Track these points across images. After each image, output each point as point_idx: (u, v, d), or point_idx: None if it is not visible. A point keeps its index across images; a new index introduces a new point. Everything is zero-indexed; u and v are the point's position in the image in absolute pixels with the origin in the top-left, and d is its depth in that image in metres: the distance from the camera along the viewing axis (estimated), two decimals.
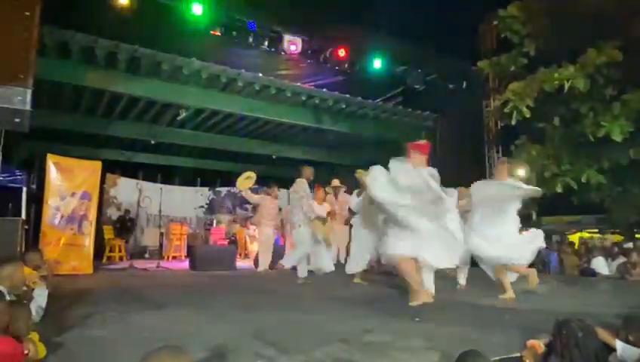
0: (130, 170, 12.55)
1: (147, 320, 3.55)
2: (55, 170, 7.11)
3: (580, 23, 8.00)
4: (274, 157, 13.02)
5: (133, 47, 7.67)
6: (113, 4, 7.19)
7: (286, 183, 8.39)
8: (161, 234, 10.51)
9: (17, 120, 4.46)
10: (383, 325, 3.38)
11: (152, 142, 11.44)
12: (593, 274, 8.09)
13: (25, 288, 3.22)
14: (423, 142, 5.06)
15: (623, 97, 7.56)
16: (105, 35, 7.38)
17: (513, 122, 8.54)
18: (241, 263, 9.38)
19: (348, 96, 10.22)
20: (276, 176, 11.43)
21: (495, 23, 9.41)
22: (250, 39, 8.77)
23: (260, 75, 9.20)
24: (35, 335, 2.48)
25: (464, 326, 3.42)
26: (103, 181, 9.51)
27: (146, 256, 10.91)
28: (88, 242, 7.19)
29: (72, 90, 8.59)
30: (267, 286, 5.92)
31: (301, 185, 6.27)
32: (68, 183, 7.14)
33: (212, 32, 8.25)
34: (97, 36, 7.30)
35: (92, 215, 7.29)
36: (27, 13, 4.23)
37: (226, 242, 10.19)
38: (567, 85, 7.68)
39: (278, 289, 5.69)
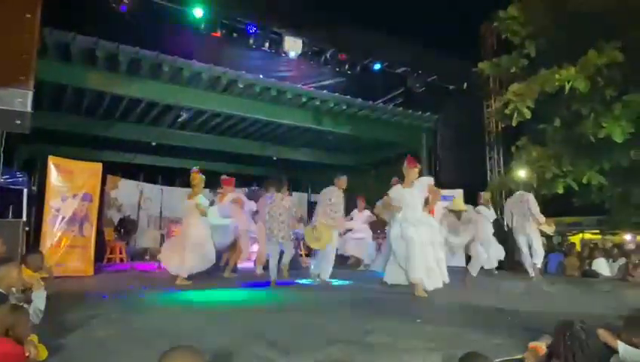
0: (131, 172, 12.55)
1: (149, 321, 3.55)
2: (56, 172, 7.11)
3: (581, 24, 7.99)
4: (275, 158, 13.03)
5: (134, 49, 7.68)
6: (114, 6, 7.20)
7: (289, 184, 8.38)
8: (162, 235, 10.51)
9: (18, 122, 4.46)
10: (384, 326, 3.38)
11: (153, 143, 11.45)
12: (595, 275, 8.08)
13: (25, 290, 3.22)
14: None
15: (624, 98, 7.53)
16: (106, 37, 7.39)
17: (514, 123, 8.51)
18: (241, 264, 9.36)
19: (348, 97, 10.23)
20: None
21: (495, 24, 9.39)
22: (251, 41, 8.79)
23: (261, 76, 9.21)
24: (34, 338, 2.48)
25: (465, 327, 3.41)
26: (103, 183, 9.51)
27: (147, 257, 10.91)
28: (89, 244, 7.19)
29: (73, 91, 8.60)
30: (268, 288, 5.91)
31: (333, 192, 6.36)
32: (69, 185, 7.15)
33: (213, 33, 8.26)
34: (98, 38, 7.32)
35: (93, 216, 7.29)
36: (28, 16, 4.23)
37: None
38: (567, 86, 7.65)
39: (280, 291, 5.69)
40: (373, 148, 12.81)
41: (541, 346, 2.35)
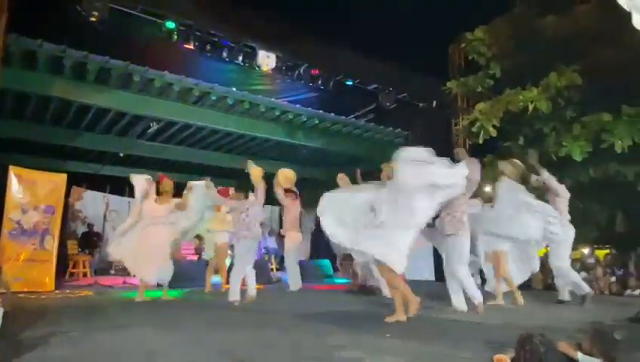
0: (97, 183, 12.21)
1: (111, 340, 3.43)
2: (17, 183, 6.84)
3: (543, 47, 8.40)
4: (246, 171, 12.94)
5: (103, 58, 7.56)
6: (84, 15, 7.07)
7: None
8: None
9: None
10: (355, 341, 3.38)
11: (121, 154, 11.20)
12: (556, 288, 8.32)
13: None
14: None
15: (583, 119, 7.93)
16: (75, 46, 7.24)
17: (480, 141, 8.80)
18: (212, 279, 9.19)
19: (321, 112, 10.34)
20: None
21: (463, 45, 9.75)
22: (224, 54, 8.79)
23: (234, 89, 9.20)
24: None
25: (434, 341, 3.46)
26: (68, 194, 9.21)
27: (112, 272, 10.56)
28: (50, 257, 6.92)
29: (38, 100, 8.36)
30: (241, 303, 5.82)
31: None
32: (30, 196, 6.88)
33: (185, 45, 8.22)
34: (66, 46, 7.16)
35: (55, 229, 7.04)
36: None
37: (195, 257, 10.00)
38: (530, 106, 8.00)
39: (253, 306, 5.61)
40: (345, 163, 12.92)
41: (505, 359, 2.42)
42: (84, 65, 7.58)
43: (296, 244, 7.03)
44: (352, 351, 3.04)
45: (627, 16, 3.50)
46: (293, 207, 7.06)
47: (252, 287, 5.97)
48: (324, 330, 3.88)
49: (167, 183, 6.20)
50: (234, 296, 5.54)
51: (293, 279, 6.96)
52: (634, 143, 7.43)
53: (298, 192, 7.23)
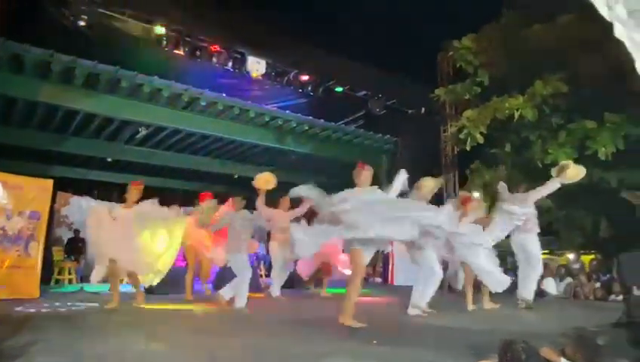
0: (84, 188, 12.06)
1: (96, 349, 3.40)
2: (2, 188, 6.75)
3: (528, 56, 8.54)
4: (236, 176, 12.94)
5: (92, 63, 7.52)
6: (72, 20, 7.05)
7: (247, 204, 8.31)
8: None
9: None
10: (339, 348, 3.39)
11: (109, 159, 11.11)
12: (543, 294, 8.42)
13: None
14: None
15: (568, 126, 8.06)
16: (63, 51, 7.20)
17: (468, 148, 8.90)
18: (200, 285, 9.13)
19: (311, 118, 10.37)
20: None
21: (451, 53, 9.87)
22: (214, 59, 8.80)
23: (224, 95, 9.20)
24: None
25: (419, 347, 3.47)
26: (54, 200, 9.09)
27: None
28: (35, 264, 6.81)
29: (25, 104, 8.27)
30: (228, 310, 5.79)
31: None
32: (15, 202, 6.78)
33: (175, 51, 8.22)
34: (54, 51, 7.11)
35: (40, 235, 6.94)
36: None
37: (184, 263, 9.91)
38: (517, 114, 8.12)
39: (239, 313, 5.58)
40: (335, 169, 12.97)
41: None
42: (72, 69, 7.54)
43: (283, 250, 7.00)
44: (337, 358, 3.05)
45: (609, 26, 3.59)
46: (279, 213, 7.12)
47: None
48: (311, 337, 3.87)
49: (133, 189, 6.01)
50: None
51: (276, 285, 7.05)
52: (617, 150, 7.57)
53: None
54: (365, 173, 4.64)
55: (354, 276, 4.42)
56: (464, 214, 5.70)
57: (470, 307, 5.80)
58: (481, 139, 8.70)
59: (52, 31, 7.32)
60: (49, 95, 7.92)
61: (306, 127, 10.62)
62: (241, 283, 5.77)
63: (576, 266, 9.60)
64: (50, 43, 7.16)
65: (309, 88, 10.21)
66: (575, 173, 6.13)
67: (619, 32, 3.61)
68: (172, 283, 7.56)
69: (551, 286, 8.64)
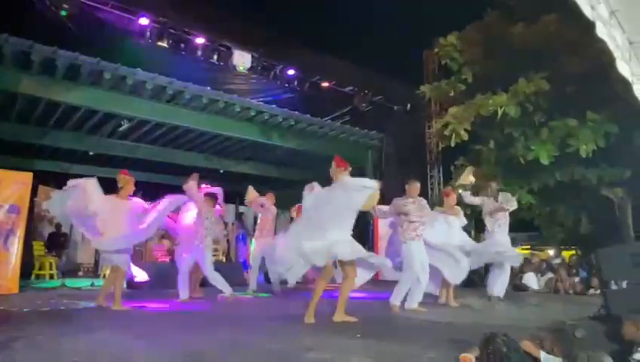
0: (66, 182, 11.85)
1: (75, 345, 3.35)
2: None
3: (512, 54, 8.64)
4: (221, 171, 12.84)
5: (73, 54, 7.36)
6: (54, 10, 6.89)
7: (233, 198, 8.29)
8: (97, 250, 9.95)
9: None
10: (324, 342, 3.40)
11: (91, 153, 10.93)
12: (525, 289, 8.58)
13: None
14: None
15: (550, 124, 8.19)
16: (44, 41, 7.03)
17: (452, 144, 8.98)
18: None
19: (297, 113, 10.33)
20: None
21: (436, 50, 9.93)
22: (199, 52, 8.70)
23: (208, 88, 9.11)
24: None
25: (403, 341, 3.51)
26: (34, 194, 8.91)
27: (80, 273, 10.29)
28: (14, 259, 6.68)
29: (4, 96, 8.07)
30: (210, 306, 5.76)
31: None
32: None
33: (159, 43, 8.10)
34: (34, 41, 6.94)
35: (20, 230, 6.81)
36: None
37: (167, 259, 9.82)
38: (500, 111, 8.22)
39: (220, 310, 5.57)
40: (321, 164, 12.98)
41: (471, 358, 2.48)
42: (52, 61, 7.37)
43: (264, 250, 6.87)
44: (322, 353, 3.06)
45: (591, 25, 3.66)
46: (264, 214, 7.13)
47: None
48: (294, 332, 3.88)
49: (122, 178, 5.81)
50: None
51: (252, 281, 7.10)
52: (597, 148, 7.72)
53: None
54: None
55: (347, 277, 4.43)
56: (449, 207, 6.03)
57: (453, 303, 5.87)
58: (465, 136, 8.79)
59: (32, 20, 7.14)
60: (29, 87, 7.74)
61: (292, 122, 10.58)
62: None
63: (557, 261, 9.81)
64: (30, 33, 6.99)
65: (296, 83, 10.18)
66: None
67: (601, 31, 3.67)
68: (155, 279, 7.53)
69: (532, 280, 8.81)
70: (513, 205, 6.21)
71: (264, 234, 7.02)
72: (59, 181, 11.67)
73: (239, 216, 12.65)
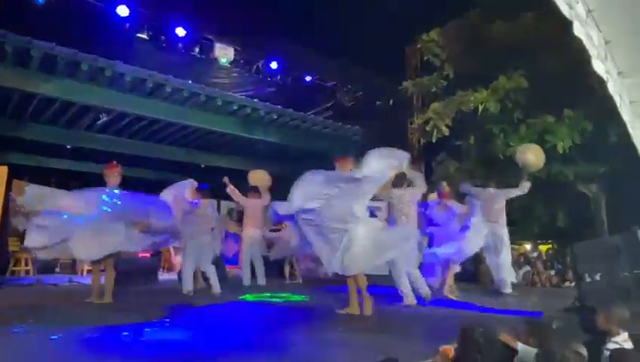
0: (42, 177, 11.56)
1: (53, 342, 3.29)
2: None
3: (492, 51, 8.76)
4: (202, 166, 12.70)
5: (49, 45, 7.16)
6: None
7: (215, 192, 8.21)
8: None
9: None
10: (308, 336, 3.42)
11: (68, 146, 10.68)
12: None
13: None
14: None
15: (528, 121, 8.34)
16: (17, 30, 6.82)
17: (434, 140, 9.07)
18: (164, 276, 9.00)
19: (279, 107, 10.28)
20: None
21: (419, 46, 9.99)
22: (180, 45, 8.57)
23: (190, 81, 8.98)
24: None
25: (384, 333, 3.56)
26: (8, 188, 8.67)
27: (57, 270, 10.06)
28: None
29: None
30: (194, 301, 5.72)
31: None
32: None
33: (138, 34, 7.94)
34: (7, 31, 6.73)
35: None
36: None
37: (148, 254, 9.69)
38: (481, 107, 8.33)
39: (204, 304, 5.53)
40: (303, 159, 12.97)
41: (450, 349, 2.53)
42: (27, 51, 7.15)
43: (251, 241, 7.08)
44: (306, 346, 3.08)
45: (569, 24, 3.73)
46: (250, 205, 7.14)
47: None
48: (279, 326, 3.89)
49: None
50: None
51: (245, 275, 7.21)
52: (574, 144, 7.90)
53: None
54: None
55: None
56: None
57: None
58: (446, 132, 8.88)
59: (5, 8, 6.91)
60: (2, 77, 7.50)
61: (275, 116, 10.52)
62: None
63: (534, 255, 10.04)
64: (3, 22, 6.77)
65: (278, 77, 10.14)
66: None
67: (578, 30, 3.75)
68: (136, 275, 7.44)
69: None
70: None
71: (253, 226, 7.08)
72: (34, 174, 11.43)
73: (229, 212, 12.59)
